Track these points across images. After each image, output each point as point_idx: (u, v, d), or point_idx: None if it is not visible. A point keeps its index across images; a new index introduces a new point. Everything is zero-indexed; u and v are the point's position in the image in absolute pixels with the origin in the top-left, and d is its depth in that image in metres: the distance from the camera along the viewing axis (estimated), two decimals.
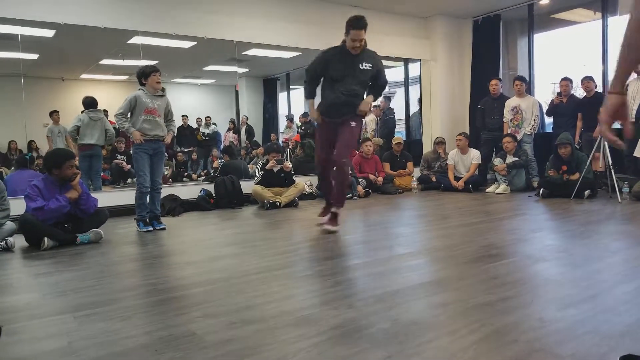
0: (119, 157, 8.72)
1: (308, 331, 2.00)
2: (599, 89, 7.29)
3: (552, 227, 4.31)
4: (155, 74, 4.86)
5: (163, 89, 5.02)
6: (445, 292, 2.50)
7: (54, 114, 8.06)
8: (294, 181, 6.81)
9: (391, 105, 10.08)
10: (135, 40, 6.69)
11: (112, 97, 9.04)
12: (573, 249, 3.40)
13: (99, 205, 4.66)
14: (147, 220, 4.96)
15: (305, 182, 7.17)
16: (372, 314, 2.17)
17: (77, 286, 2.89)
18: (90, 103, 6.91)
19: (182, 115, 10.49)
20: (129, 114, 4.85)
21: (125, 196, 6.08)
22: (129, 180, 8.73)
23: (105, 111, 8.31)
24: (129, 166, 8.76)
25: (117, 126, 4.95)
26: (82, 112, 6.96)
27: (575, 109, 7.22)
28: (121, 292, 2.78)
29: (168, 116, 5.09)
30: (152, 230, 4.85)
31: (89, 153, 6.84)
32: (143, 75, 4.88)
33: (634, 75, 6.55)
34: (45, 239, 4.13)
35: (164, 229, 4.98)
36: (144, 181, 4.87)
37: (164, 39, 6.87)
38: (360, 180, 7.47)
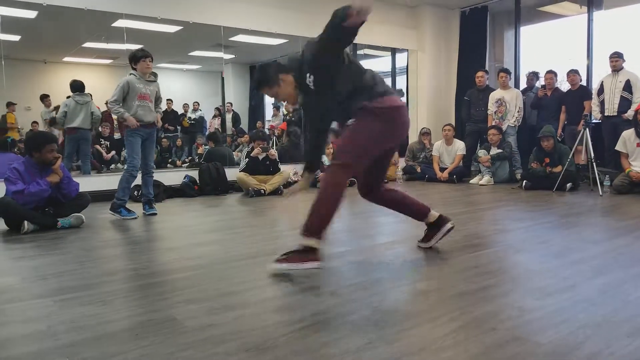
0: (102, 143, 8.63)
1: (289, 317, 2.00)
2: (584, 82, 7.36)
3: (534, 219, 4.36)
4: (145, 60, 4.78)
5: (155, 75, 4.97)
6: (426, 280, 2.52)
7: (45, 99, 8.03)
8: (279, 169, 6.80)
9: None
10: (120, 23, 6.58)
11: (96, 81, 8.93)
12: (553, 240, 3.44)
13: (81, 189, 4.61)
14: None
15: (290, 170, 7.15)
16: (353, 301, 2.18)
17: (57, 270, 2.87)
18: (78, 86, 6.90)
19: (167, 100, 10.38)
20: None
21: (107, 181, 6.02)
22: (112, 166, 8.65)
23: (89, 95, 8.22)
24: (110, 155, 8.67)
25: (112, 114, 4.88)
26: (68, 97, 6.94)
27: (559, 102, 7.28)
28: (102, 276, 2.76)
29: (157, 102, 5.04)
30: (137, 218, 4.78)
31: (75, 137, 6.84)
32: (133, 59, 4.81)
33: (608, 71, 6.65)
34: (25, 222, 4.08)
35: (155, 214, 4.94)
36: (137, 164, 4.81)
37: (149, 23, 6.76)
38: None
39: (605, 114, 6.64)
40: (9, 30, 6.86)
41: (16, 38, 7.73)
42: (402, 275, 2.61)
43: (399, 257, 3.06)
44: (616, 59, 6.53)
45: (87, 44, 8.90)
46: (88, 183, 5.79)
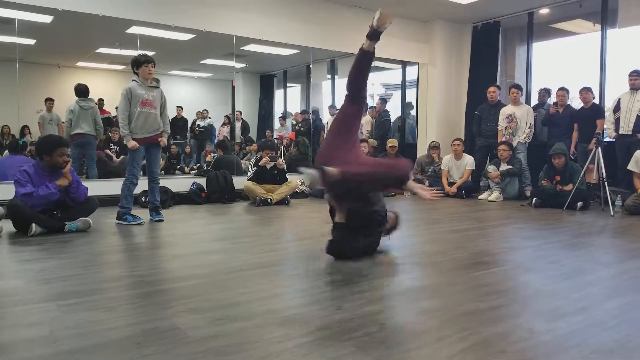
0: (112, 147, 8.66)
1: (294, 331, 1.97)
2: (596, 100, 7.30)
3: (544, 237, 4.30)
4: (148, 65, 4.75)
5: (157, 80, 4.95)
6: (434, 298, 2.48)
7: (48, 101, 8.04)
8: (287, 179, 6.78)
9: (387, 108, 10.05)
10: (133, 30, 6.62)
11: (109, 86, 9.00)
12: (564, 260, 3.39)
13: (90, 194, 4.61)
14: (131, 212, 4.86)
15: (298, 181, 7.14)
16: (360, 317, 2.14)
17: (62, 274, 2.85)
18: (82, 91, 6.89)
19: (177, 107, 10.43)
20: None
21: (115, 186, 6.02)
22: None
23: (100, 100, 8.26)
24: (119, 159, 8.69)
25: (119, 129, 4.89)
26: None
27: (570, 120, 7.22)
28: (106, 282, 2.74)
29: (161, 109, 5.00)
30: (143, 223, 4.77)
31: (80, 141, 6.82)
32: (136, 64, 4.78)
33: (626, 89, 6.58)
34: (33, 225, 4.08)
35: (162, 220, 4.93)
36: (136, 172, 4.81)
37: (162, 30, 6.80)
38: None
39: (620, 132, 6.54)
40: (25, 33, 6.92)
41: (31, 42, 7.79)
42: (409, 292, 2.57)
43: (406, 273, 3.02)
44: (635, 77, 6.41)
45: (101, 50, 8.97)
46: (96, 188, 5.80)
